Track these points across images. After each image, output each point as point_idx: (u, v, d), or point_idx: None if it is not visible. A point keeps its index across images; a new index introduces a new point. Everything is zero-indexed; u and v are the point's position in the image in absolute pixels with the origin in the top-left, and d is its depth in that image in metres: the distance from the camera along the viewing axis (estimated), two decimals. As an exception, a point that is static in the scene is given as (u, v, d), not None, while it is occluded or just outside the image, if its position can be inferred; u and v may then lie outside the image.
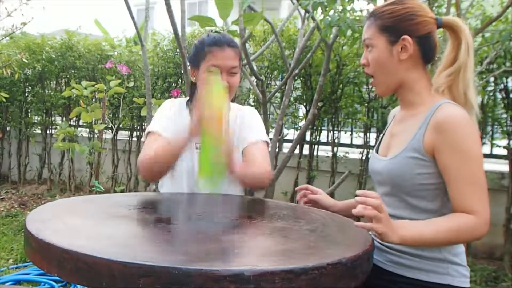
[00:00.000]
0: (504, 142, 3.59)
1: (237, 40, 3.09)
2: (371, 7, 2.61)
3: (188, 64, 1.81)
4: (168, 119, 1.72)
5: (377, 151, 1.47)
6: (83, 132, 5.45)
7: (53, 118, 5.71)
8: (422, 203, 1.29)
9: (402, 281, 1.32)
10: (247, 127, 1.76)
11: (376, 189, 1.45)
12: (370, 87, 3.96)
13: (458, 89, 1.32)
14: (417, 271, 1.31)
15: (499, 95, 3.64)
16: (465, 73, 1.31)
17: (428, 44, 1.34)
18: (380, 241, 1.36)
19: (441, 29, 1.37)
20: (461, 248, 1.34)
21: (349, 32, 2.51)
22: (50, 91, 5.57)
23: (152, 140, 1.68)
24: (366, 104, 4.06)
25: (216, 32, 1.74)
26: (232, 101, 1.79)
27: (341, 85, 4.07)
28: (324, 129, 4.36)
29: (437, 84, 1.34)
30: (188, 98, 1.81)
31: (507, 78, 3.50)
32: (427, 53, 1.34)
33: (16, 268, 3.17)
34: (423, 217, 1.28)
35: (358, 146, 4.19)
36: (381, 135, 1.51)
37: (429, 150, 1.26)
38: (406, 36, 1.31)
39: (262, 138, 1.74)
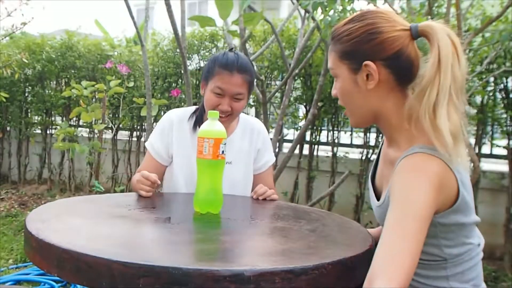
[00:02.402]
0: (504, 142, 3.59)
1: (237, 40, 3.09)
2: (371, 7, 2.61)
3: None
4: (161, 141, 1.75)
5: (373, 177, 1.30)
6: (83, 132, 5.44)
7: (53, 118, 5.71)
8: None
9: None
10: (263, 150, 1.84)
11: None
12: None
13: (424, 116, 1.03)
14: None
15: (499, 95, 3.64)
16: (431, 94, 1.02)
17: (401, 63, 1.10)
18: None
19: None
20: (474, 274, 1.16)
21: (349, 32, 2.50)
22: (50, 91, 5.56)
23: (146, 160, 1.79)
24: (366, 104, 4.05)
25: (233, 51, 1.69)
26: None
27: (341, 85, 4.06)
28: (324, 129, 4.35)
29: (405, 113, 1.09)
30: (194, 109, 1.81)
31: (507, 78, 3.50)
32: (402, 74, 1.11)
33: (16, 268, 3.16)
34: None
35: (358, 146, 4.19)
36: (376, 156, 1.33)
37: None
38: (368, 62, 1.09)
39: (273, 161, 1.89)
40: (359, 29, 1.11)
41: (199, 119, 1.76)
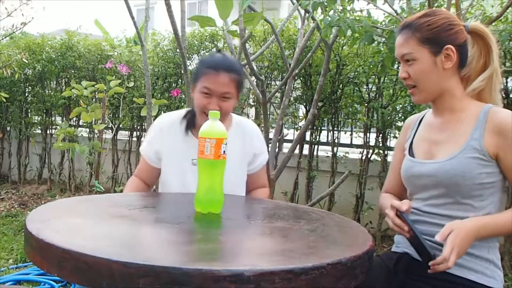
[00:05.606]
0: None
1: (237, 40, 3.08)
2: (371, 7, 2.61)
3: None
4: (152, 145, 1.80)
5: (412, 157, 1.48)
6: (83, 132, 5.44)
7: (53, 118, 5.70)
8: (475, 202, 1.33)
9: (449, 279, 1.33)
10: (258, 154, 1.84)
11: (415, 194, 1.46)
12: (370, 87, 3.95)
13: (490, 92, 1.40)
14: (466, 270, 1.32)
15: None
16: (497, 77, 1.40)
17: (465, 51, 1.40)
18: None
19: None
20: (499, 254, 1.39)
21: (349, 32, 2.50)
22: (50, 91, 5.56)
23: (141, 163, 1.85)
24: (366, 104, 4.06)
25: (221, 52, 1.72)
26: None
27: (341, 85, 4.06)
28: (324, 129, 4.35)
29: (471, 88, 1.40)
30: (185, 112, 1.81)
31: (507, 78, 3.49)
32: (463, 60, 1.40)
33: (16, 268, 3.16)
34: (471, 215, 1.32)
35: (358, 146, 4.19)
36: (409, 140, 1.53)
37: (491, 152, 1.31)
38: (449, 46, 1.36)
39: (267, 159, 1.87)
40: (439, 21, 1.37)
41: (190, 121, 1.76)
